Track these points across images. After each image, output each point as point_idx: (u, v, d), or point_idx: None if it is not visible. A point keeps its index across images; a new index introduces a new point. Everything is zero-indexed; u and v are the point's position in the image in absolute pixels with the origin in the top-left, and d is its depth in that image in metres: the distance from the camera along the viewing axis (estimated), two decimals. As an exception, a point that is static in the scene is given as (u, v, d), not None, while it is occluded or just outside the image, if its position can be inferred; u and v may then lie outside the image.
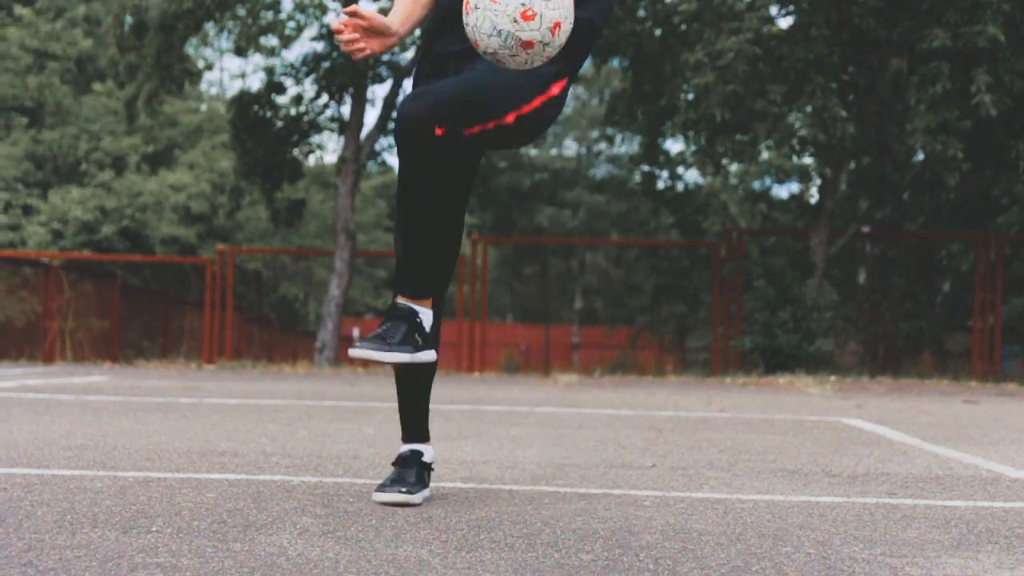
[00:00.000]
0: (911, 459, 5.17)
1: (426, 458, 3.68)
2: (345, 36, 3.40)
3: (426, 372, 3.67)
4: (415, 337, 3.39)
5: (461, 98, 3.31)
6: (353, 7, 3.39)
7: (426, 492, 3.62)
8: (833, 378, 14.16)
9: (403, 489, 3.52)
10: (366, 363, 25.79)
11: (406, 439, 3.71)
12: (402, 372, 3.68)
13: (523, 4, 3.12)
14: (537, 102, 3.44)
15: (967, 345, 19.36)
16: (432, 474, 3.76)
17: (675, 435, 6.12)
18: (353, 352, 3.36)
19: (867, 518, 3.45)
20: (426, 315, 3.46)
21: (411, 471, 3.60)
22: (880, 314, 17.78)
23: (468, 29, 3.20)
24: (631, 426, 6.73)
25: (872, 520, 3.42)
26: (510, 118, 3.40)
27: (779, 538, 3.07)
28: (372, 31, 3.44)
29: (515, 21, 3.12)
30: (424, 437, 3.72)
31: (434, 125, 3.25)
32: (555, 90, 3.48)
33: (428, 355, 3.43)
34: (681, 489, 4.00)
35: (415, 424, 3.72)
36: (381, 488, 3.55)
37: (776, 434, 6.34)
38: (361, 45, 3.42)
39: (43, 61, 29.14)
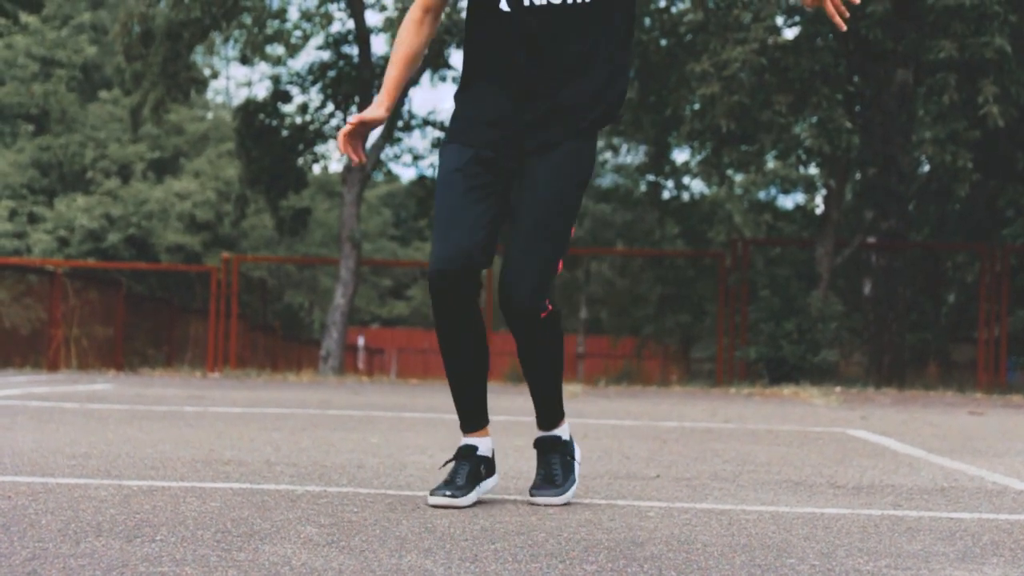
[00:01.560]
0: (916, 471, 5.16)
1: (481, 451, 3.82)
2: (344, 150, 3.74)
3: (481, 365, 3.92)
4: (571, 463, 3.90)
5: (549, 276, 3.73)
6: (358, 117, 3.69)
7: (487, 484, 3.80)
8: (838, 389, 14.14)
9: (447, 492, 3.67)
10: (371, 372, 25.72)
11: (464, 430, 3.89)
12: (453, 365, 3.90)
13: None
14: (573, 229, 3.83)
15: (972, 356, 19.33)
16: (492, 459, 3.85)
17: (680, 446, 6.11)
18: (537, 501, 3.81)
19: (872, 530, 3.45)
20: (565, 431, 3.97)
21: (463, 470, 3.74)
22: (885, 325, 17.76)
23: None
24: (636, 436, 6.72)
25: (877, 532, 3.41)
26: (568, 241, 3.81)
27: (783, 550, 3.06)
28: (366, 129, 3.73)
29: None
30: (477, 427, 3.88)
31: (539, 312, 3.72)
32: (583, 183, 3.77)
33: (578, 460, 3.97)
34: (686, 500, 3.99)
35: (469, 415, 3.90)
36: (432, 492, 3.72)
37: (781, 445, 6.33)
38: (359, 152, 3.74)
39: (49, 69, 29.19)
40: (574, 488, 3.85)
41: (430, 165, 23.40)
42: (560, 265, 3.75)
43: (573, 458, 3.92)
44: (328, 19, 18.93)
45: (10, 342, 18.00)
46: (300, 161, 20.51)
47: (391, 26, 16.82)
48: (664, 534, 3.25)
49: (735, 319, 17.19)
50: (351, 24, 19.49)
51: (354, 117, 3.68)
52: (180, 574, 2.54)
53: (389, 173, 25.45)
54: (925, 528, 3.51)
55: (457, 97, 3.75)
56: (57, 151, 28.60)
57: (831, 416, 9.29)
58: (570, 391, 12.95)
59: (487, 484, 3.80)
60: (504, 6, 3.57)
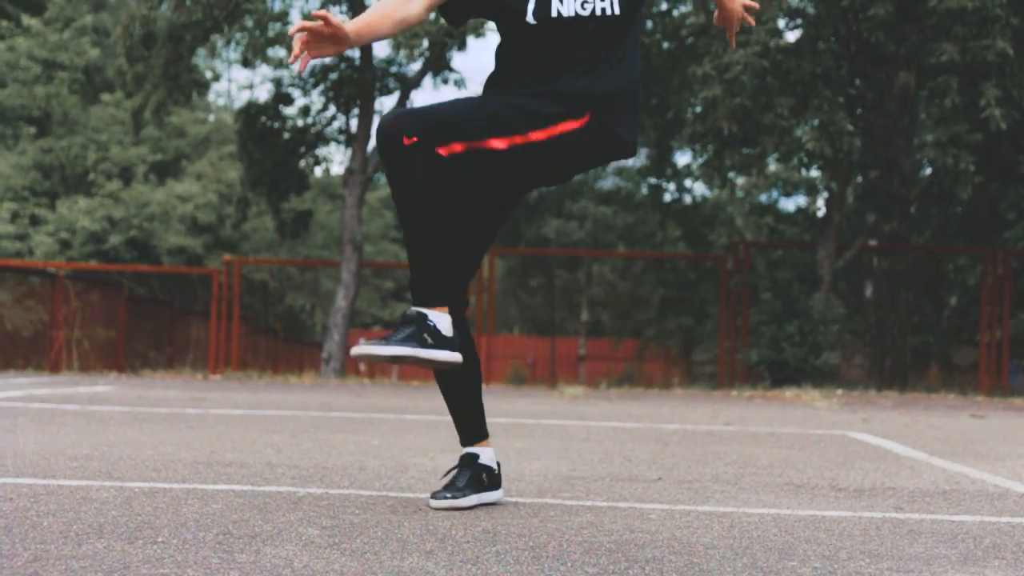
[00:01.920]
0: (918, 473, 5.16)
1: (483, 460, 3.80)
2: (298, 41, 3.47)
3: (465, 375, 3.77)
4: (423, 337, 3.46)
5: (435, 113, 3.45)
6: (324, 12, 3.45)
7: (489, 495, 3.76)
8: (840, 392, 14.14)
9: (448, 495, 3.67)
10: (372, 374, 25.69)
11: (462, 442, 3.86)
12: (441, 378, 3.80)
13: None
14: (535, 136, 3.54)
15: (974, 359, 19.33)
16: (497, 473, 3.81)
17: (681, 448, 6.11)
18: (354, 351, 3.50)
19: (873, 532, 3.45)
20: (439, 318, 3.51)
21: (464, 475, 3.74)
22: (887, 328, 17.76)
23: None
24: (637, 439, 6.72)
25: (879, 534, 3.41)
26: (497, 143, 3.50)
27: (785, 552, 3.06)
28: (331, 39, 3.51)
29: None
30: (475, 439, 3.84)
31: (401, 134, 3.40)
32: (560, 129, 3.56)
33: (443, 354, 3.47)
34: (687, 502, 3.99)
35: (465, 427, 3.86)
36: (433, 495, 3.70)
37: (782, 448, 6.33)
38: (309, 51, 3.49)
39: (51, 71, 29.20)
40: (402, 349, 3.42)
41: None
42: (479, 142, 3.46)
43: (433, 326, 3.47)
44: (330, 22, 18.91)
45: (12, 344, 18.01)
46: (302, 164, 20.52)
47: (393, 29, 16.83)
48: (666, 536, 3.25)
49: (737, 322, 17.19)
50: (353, 27, 19.50)
51: (330, 19, 3.45)
52: (181, 576, 2.54)
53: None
54: (927, 531, 3.51)
55: None
56: (59, 153, 28.61)
57: (833, 419, 9.28)
58: (571, 393, 12.94)
59: (489, 495, 3.78)
60: (531, 19, 3.61)
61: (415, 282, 3.54)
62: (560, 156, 3.63)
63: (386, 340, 3.46)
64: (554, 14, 3.60)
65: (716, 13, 3.93)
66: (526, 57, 3.65)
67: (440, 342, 3.49)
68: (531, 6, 3.60)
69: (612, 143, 3.68)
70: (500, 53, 3.74)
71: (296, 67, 3.54)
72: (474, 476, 3.75)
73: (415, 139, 3.40)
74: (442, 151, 3.45)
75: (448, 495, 3.66)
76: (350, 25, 3.55)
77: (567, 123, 3.58)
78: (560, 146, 3.59)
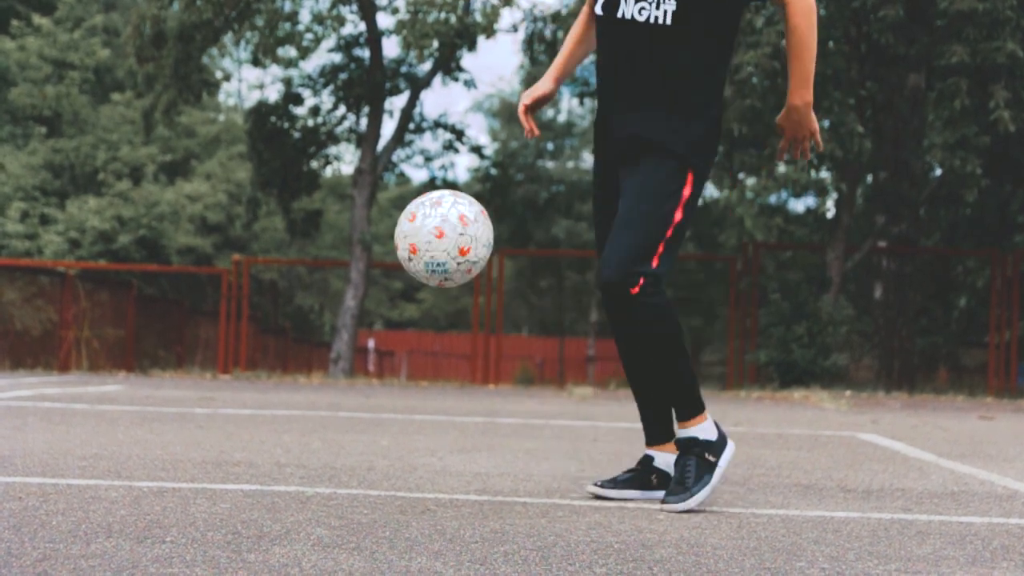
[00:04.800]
0: (926, 475, 5.15)
1: (658, 463, 4.02)
2: (526, 124, 4.04)
3: (671, 370, 3.92)
4: (708, 460, 3.82)
5: (636, 248, 3.73)
6: (522, 116, 4.03)
7: (652, 494, 3.97)
8: (848, 393, 14.12)
9: (599, 482, 3.99)
10: (381, 374, 25.69)
11: (646, 442, 4.10)
12: (631, 379, 4.06)
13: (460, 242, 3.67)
14: (684, 197, 3.81)
15: (983, 361, 19.30)
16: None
17: (690, 449, 6.10)
18: (664, 507, 3.76)
19: (882, 534, 3.44)
20: (705, 429, 3.88)
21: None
22: (896, 329, 17.74)
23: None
24: (645, 440, 6.71)
25: (887, 536, 3.41)
26: (670, 231, 3.78)
27: (793, 553, 3.06)
28: (536, 106, 4.08)
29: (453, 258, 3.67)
30: (656, 441, 4.06)
31: (627, 287, 3.71)
32: (688, 180, 3.82)
33: (725, 459, 3.86)
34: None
35: (650, 428, 4.07)
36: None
37: (791, 449, 6.33)
38: (532, 125, 4.08)
39: (62, 71, 29.25)
40: (704, 491, 3.77)
41: (441, 167, 23.41)
42: (661, 247, 3.75)
43: (715, 457, 3.85)
44: (340, 21, 18.94)
45: (21, 343, 18.04)
46: (312, 164, 20.54)
47: (402, 28, 16.83)
48: (674, 537, 3.25)
49: (746, 323, 17.17)
50: (363, 27, 19.52)
51: (525, 95, 4.01)
52: (190, 575, 2.54)
53: (401, 175, 25.41)
54: (935, 532, 3.50)
55: None
56: (69, 153, 28.65)
57: (841, 420, 9.27)
58: (580, 394, 12.94)
59: (659, 494, 3.97)
60: (599, 10, 3.90)
61: (678, 406, 3.85)
62: (695, 203, 3.89)
63: (685, 491, 3.75)
64: (619, 14, 3.84)
65: (783, 111, 4.02)
66: (602, 55, 3.92)
67: (718, 450, 3.85)
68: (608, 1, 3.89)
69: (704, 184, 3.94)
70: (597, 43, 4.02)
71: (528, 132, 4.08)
72: (639, 476, 3.99)
73: (641, 281, 3.70)
74: (655, 264, 3.73)
75: (599, 483, 3.98)
76: (553, 74, 4.08)
77: (688, 175, 3.81)
78: (694, 194, 3.85)
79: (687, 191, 3.79)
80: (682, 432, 3.87)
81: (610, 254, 3.74)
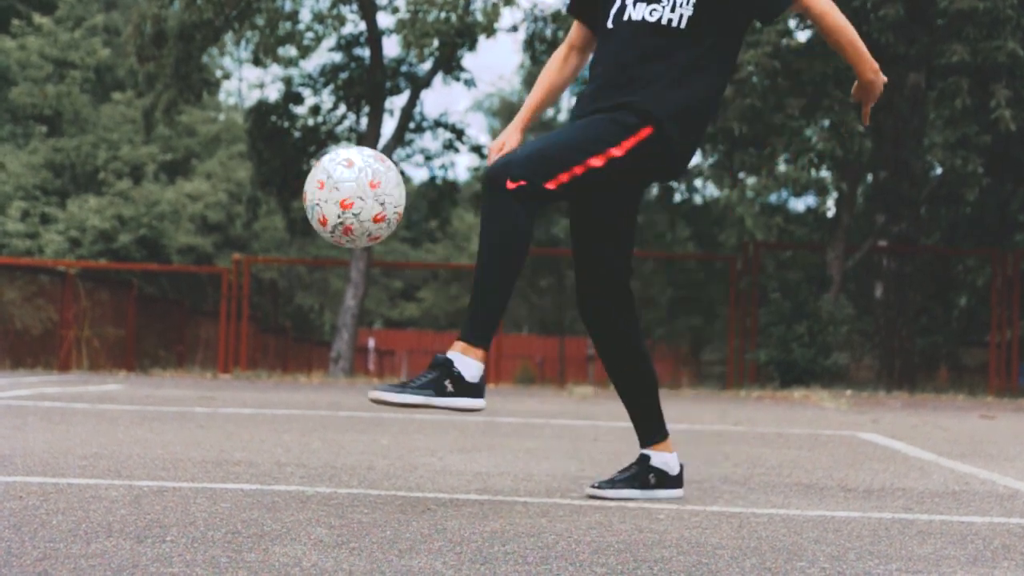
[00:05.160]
0: (927, 474, 5.15)
1: (654, 462, 4.06)
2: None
3: (636, 380, 4.05)
4: (442, 385, 3.57)
5: (537, 152, 3.65)
6: (492, 149, 3.90)
7: (659, 493, 4.03)
8: (848, 392, 14.13)
9: (596, 483, 4.02)
10: (381, 374, 25.66)
11: (639, 443, 4.13)
12: (615, 381, 4.09)
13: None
14: (627, 144, 3.73)
15: (984, 360, 19.31)
16: (675, 475, 4.07)
17: (690, 448, 6.10)
18: (370, 395, 3.59)
19: (883, 533, 3.44)
20: (469, 365, 3.61)
21: (628, 472, 4.04)
22: (896, 329, 17.74)
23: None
24: (646, 439, 6.71)
25: (888, 535, 3.40)
26: (594, 161, 3.68)
27: (794, 553, 3.06)
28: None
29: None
30: (649, 441, 4.09)
31: (505, 178, 3.59)
32: (642, 135, 3.74)
33: (460, 402, 3.59)
34: (696, 503, 3.99)
35: (637, 429, 4.12)
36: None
37: (791, 448, 6.33)
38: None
39: (62, 70, 29.25)
40: (415, 398, 3.52)
41: (441, 166, 23.40)
42: (566, 176, 3.63)
43: (455, 390, 3.57)
44: (340, 21, 18.94)
45: (21, 343, 18.04)
46: (312, 163, 20.54)
47: (403, 28, 16.83)
48: (675, 537, 3.25)
49: (746, 322, 17.17)
50: (363, 26, 19.51)
51: (493, 148, 3.90)
52: (190, 575, 2.54)
53: (401, 174, 25.41)
54: (936, 532, 3.50)
55: None
56: (70, 152, 28.65)
57: (841, 419, 9.27)
58: (580, 393, 12.94)
59: (659, 493, 4.03)
60: (610, 24, 3.89)
61: (473, 320, 3.65)
62: (652, 161, 3.79)
63: (402, 387, 3.57)
64: (626, 17, 3.85)
65: (855, 84, 4.07)
66: (605, 59, 3.89)
67: (461, 390, 3.58)
68: (613, 10, 3.87)
69: (670, 158, 3.84)
70: (593, 54, 4.01)
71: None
72: (637, 474, 4.01)
73: (522, 182, 3.58)
74: (550, 185, 3.62)
75: (596, 484, 4.01)
76: (518, 124, 3.97)
77: (644, 129, 3.75)
78: (645, 152, 3.75)
79: (629, 143, 3.71)
80: (449, 352, 3.62)
81: (517, 151, 3.70)
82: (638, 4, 3.83)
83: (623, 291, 3.99)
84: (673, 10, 3.79)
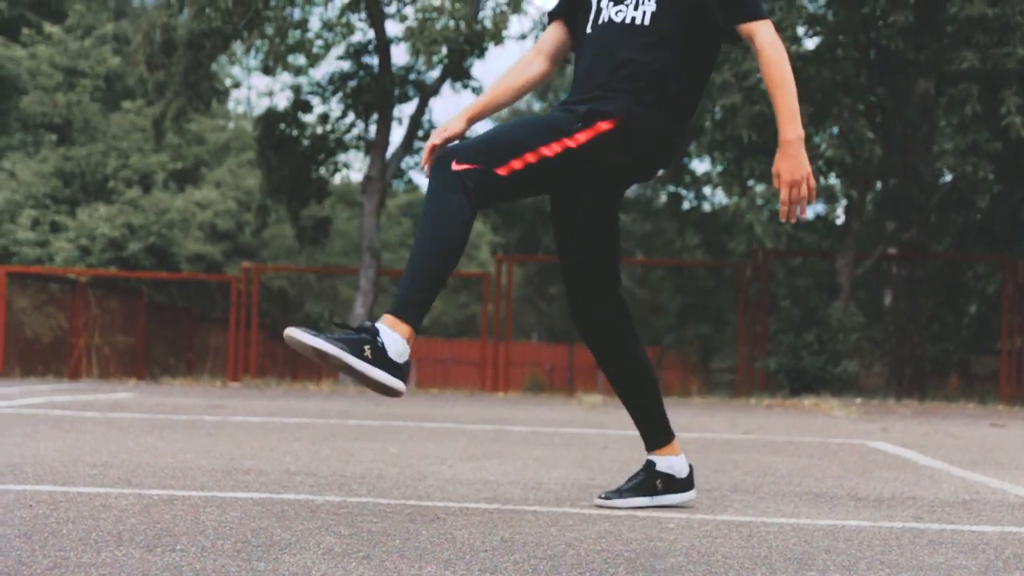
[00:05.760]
0: (938, 483, 5.14)
1: (659, 467, 4.04)
2: (425, 161, 3.79)
3: (636, 383, 4.05)
4: (361, 348, 3.41)
5: (488, 138, 3.62)
6: (429, 146, 3.79)
7: (666, 499, 4.02)
8: (859, 400, 14.10)
9: (603, 495, 4.03)
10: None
11: (646, 448, 4.11)
12: (616, 387, 4.07)
13: None
14: (581, 136, 3.67)
15: (994, 368, 19.25)
16: (683, 478, 4.07)
17: (700, 457, 6.10)
18: (285, 332, 3.47)
19: (893, 542, 3.43)
20: (395, 341, 3.48)
21: (635, 479, 4.05)
22: (906, 336, 17.70)
23: None
24: (655, 447, 6.70)
25: (898, 544, 3.40)
26: (547, 151, 3.62)
27: (804, 562, 3.05)
28: (448, 143, 3.81)
29: None
30: (654, 445, 4.07)
31: (451, 159, 3.53)
32: (603, 126, 3.70)
33: (377, 373, 3.42)
34: (706, 512, 3.98)
35: (643, 434, 4.10)
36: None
37: (801, 457, 6.31)
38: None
39: (72, 79, 29.32)
40: (329, 347, 3.41)
41: (450, 175, 23.40)
42: (519, 162, 3.58)
43: (379, 344, 3.46)
44: (349, 29, 18.95)
45: (32, 351, 18.07)
46: (321, 171, 20.55)
47: (411, 36, 16.84)
48: (684, 546, 3.24)
49: (755, 330, 17.15)
50: (372, 34, 19.54)
51: (435, 133, 3.83)
52: (200, 584, 2.54)
53: (410, 182, 25.42)
54: (947, 541, 3.49)
55: None
56: (80, 161, 28.71)
57: (852, 428, 9.25)
58: (589, 401, 12.93)
59: (667, 498, 4.03)
60: (589, 29, 3.89)
61: (406, 296, 3.53)
62: (604, 157, 3.71)
63: (318, 333, 3.43)
64: (601, 21, 3.85)
65: (777, 156, 3.86)
66: (581, 64, 3.89)
67: (381, 363, 3.44)
68: (591, 15, 3.88)
69: (633, 155, 3.78)
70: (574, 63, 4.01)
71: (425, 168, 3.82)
72: (644, 481, 4.02)
73: (469, 165, 3.51)
74: (501, 171, 3.57)
75: (603, 495, 4.02)
76: (466, 113, 3.88)
77: (603, 123, 3.69)
78: (602, 146, 3.68)
79: (585, 135, 3.65)
80: (378, 322, 3.53)
81: (469, 139, 3.65)
82: (610, 6, 3.84)
83: (613, 297, 3.98)
84: (636, 8, 3.79)
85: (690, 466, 4.09)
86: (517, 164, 3.59)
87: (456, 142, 3.69)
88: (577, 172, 3.72)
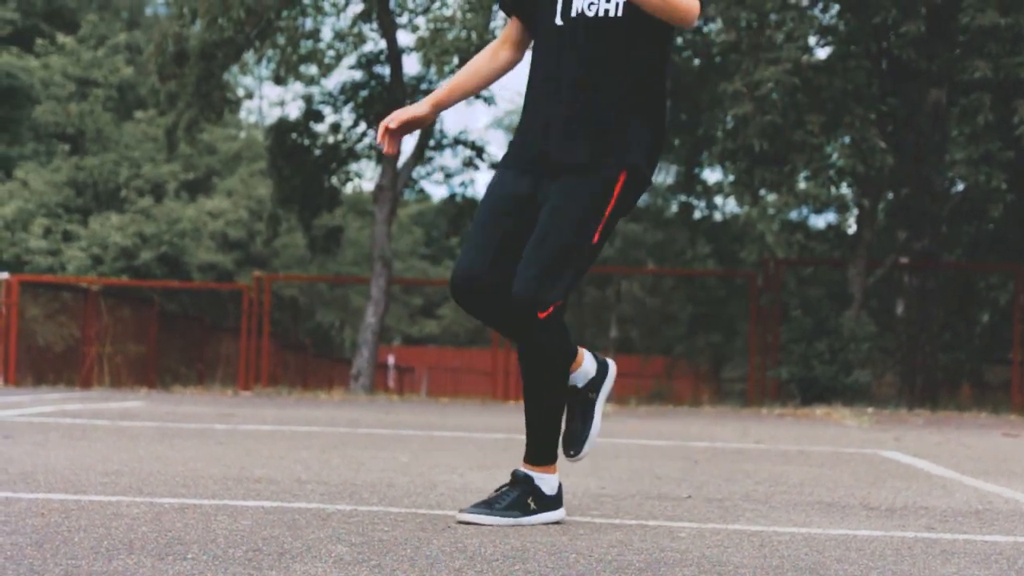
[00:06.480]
0: (950, 493, 5.12)
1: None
2: (381, 139, 3.85)
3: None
4: (526, 503, 3.73)
5: (555, 275, 3.66)
6: (384, 123, 3.82)
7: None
8: (870, 410, 14.06)
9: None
10: (401, 391, 25.71)
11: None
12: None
13: None
14: (609, 207, 3.73)
15: (1006, 377, 19.19)
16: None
17: (711, 466, 6.09)
18: (459, 518, 3.70)
19: (906, 552, 3.42)
20: (546, 480, 3.79)
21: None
22: (918, 345, 17.66)
23: None
24: (667, 457, 6.70)
25: (911, 554, 3.39)
26: (590, 248, 3.73)
27: (816, 572, 3.04)
28: (408, 126, 3.88)
29: None
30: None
31: (535, 311, 3.64)
32: (620, 184, 3.74)
33: (544, 517, 3.75)
34: (717, 521, 3.97)
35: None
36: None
37: (813, 466, 6.30)
38: (393, 139, 3.88)
39: (85, 89, 29.42)
40: (507, 520, 3.65)
41: (461, 183, 23.39)
42: (572, 272, 3.69)
43: (537, 507, 3.73)
44: (361, 39, 18.99)
45: (44, 359, 18.10)
46: (332, 180, 20.58)
47: (423, 46, 16.87)
48: (696, 555, 3.23)
49: (767, 339, 17.12)
50: (383, 44, 19.57)
51: (393, 116, 3.83)
52: (211, 592, 2.54)
53: (421, 192, 25.46)
54: (959, 551, 3.48)
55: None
56: (92, 170, 28.79)
57: (864, 437, 9.23)
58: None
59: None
60: (559, 20, 3.77)
61: (535, 444, 3.80)
62: (627, 207, 3.80)
63: (490, 508, 3.70)
64: (573, 13, 3.75)
65: None
66: (550, 58, 3.79)
67: (543, 505, 3.75)
68: (559, 7, 3.77)
69: (645, 185, 3.85)
70: (533, 57, 3.91)
71: (385, 148, 3.89)
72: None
73: (550, 309, 3.64)
74: (561, 296, 3.68)
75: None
76: (431, 98, 3.90)
77: (619, 180, 3.73)
78: (623, 199, 3.76)
79: (610, 206, 3.71)
80: (527, 469, 3.78)
81: (528, 268, 3.65)
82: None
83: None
84: (608, 0, 3.71)
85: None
86: (571, 281, 3.72)
87: (522, 285, 3.64)
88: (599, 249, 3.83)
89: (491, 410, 12.76)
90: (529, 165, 3.79)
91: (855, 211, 22.54)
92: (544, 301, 3.63)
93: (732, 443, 8.16)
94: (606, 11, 3.71)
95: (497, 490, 3.81)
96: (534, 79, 3.84)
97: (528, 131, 3.82)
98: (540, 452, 3.80)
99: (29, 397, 12.22)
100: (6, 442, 6.13)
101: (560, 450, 3.89)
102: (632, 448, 7.30)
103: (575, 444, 3.91)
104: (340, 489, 4.51)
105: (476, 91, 4.01)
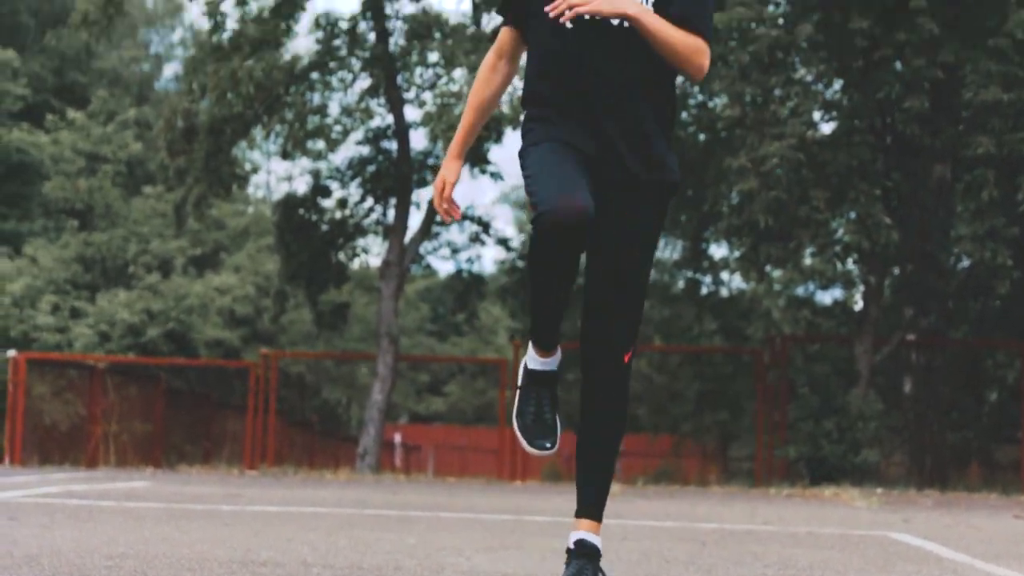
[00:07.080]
0: (961, 577, 5.07)
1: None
2: (443, 215, 4.00)
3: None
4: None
5: (633, 319, 3.86)
6: (440, 203, 3.99)
7: None
8: (879, 490, 13.98)
9: None
10: (408, 470, 25.59)
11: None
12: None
13: None
14: (659, 226, 3.91)
15: (1016, 457, 19.08)
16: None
17: (719, 548, 6.04)
18: None
19: (918, 641, 3.38)
20: (599, 540, 3.82)
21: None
22: (926, 424, 17.59)
23: None
24: (675, 538, 6.65)
25: (923, 643, 3.34)
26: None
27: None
28: (451, 189, 4.00)
29: None
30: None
31: (623, 354, 3.80)
32: (663, 212, 3.91)
33: None
34: (727, 607, 3.93)
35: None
36: None
37: (822, 549, 6.24)
38: (454, 211, 4.02)
39: (94, 164, 29.61)
40: None
41: (468, 259, 23.49)
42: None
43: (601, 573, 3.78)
44: (368, 114, 19.13)
45: (50, 438, 18.05)
46: (339, 256, 20.64)
47: (430, 121, 16.99)
48: (706, 644, 3.20)
49: (774, 417, 17.05)
50: (390, 119, 19.70)
51: (437, 182, 3.96)
52: None
53: (427, 267, 25.51)
54: (972, 639, 3.44)
55: (527, 117, 3.86)
56: (100, 246, 28.90)
57: (873, 519, 9.16)
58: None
59: None
60: (568, 24, 3.67)
61: (602, 494, 3.81)
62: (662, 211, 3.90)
63: None
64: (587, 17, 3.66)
65: None
66: (558, 63, 3.72)
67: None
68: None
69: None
70: (531, 61, 3.83)
71: (455, 217, 4.03)
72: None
73: (630, 352, 3.78)
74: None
75: None
76: (454, 152, 4.02)
77: (659, 208, 3.85)
78: (661, 213, 3.89)
79: (659, 225, 3.90)
80: (590, 536, 3.75)
81: (617, 318, 3.77)
82: None
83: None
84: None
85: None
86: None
87: (608, 333, 3.77)
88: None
89: (497, 490, 12.68)
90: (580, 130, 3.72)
91: (861, 287, 22.57)
92: (631, 347, 3.79)
93: (740, 524, 8.10)
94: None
95: (576, 567, 3.70)
96: (540, 85, 3.80)
97: (560, 131, 3.75)
98: (603, 504, 3.81)
99: (35, 477, 12.18)
100: (12, 523, 6.10)
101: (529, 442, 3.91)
102: (641, 529, 7.25)
103: (552, 435, 3.94)
104: (346, 572, 4.47)
105: (487, 117, 4.08)
